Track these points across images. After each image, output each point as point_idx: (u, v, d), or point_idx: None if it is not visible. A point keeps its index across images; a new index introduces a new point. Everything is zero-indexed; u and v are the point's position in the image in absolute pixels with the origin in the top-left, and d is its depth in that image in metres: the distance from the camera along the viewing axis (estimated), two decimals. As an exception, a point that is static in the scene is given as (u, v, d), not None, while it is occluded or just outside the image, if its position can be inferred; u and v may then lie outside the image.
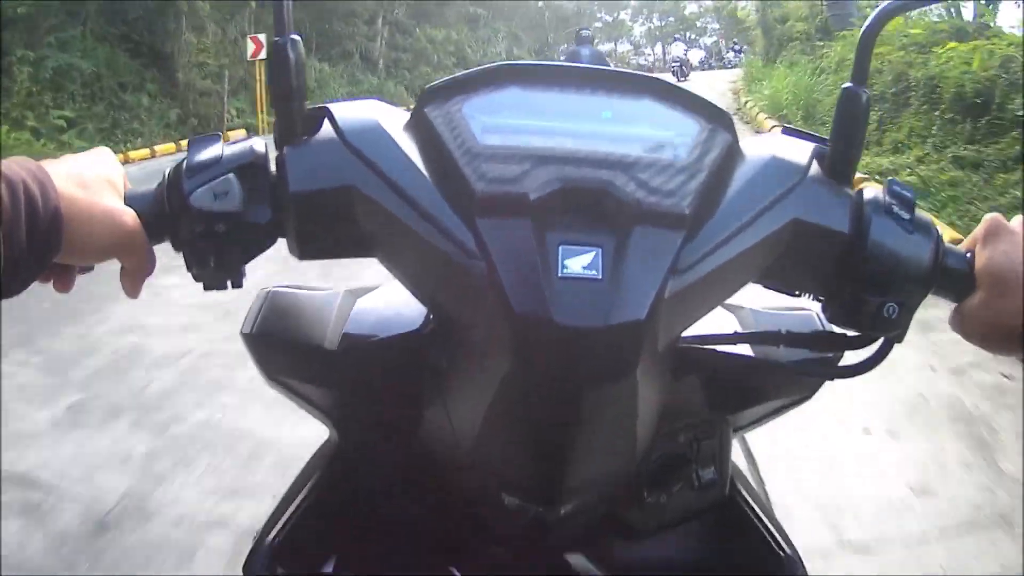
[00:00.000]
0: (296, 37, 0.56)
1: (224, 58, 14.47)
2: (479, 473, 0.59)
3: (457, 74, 0.57)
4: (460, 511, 0.66)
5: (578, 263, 0.48)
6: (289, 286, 0.72)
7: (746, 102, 13.96)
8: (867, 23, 0.58)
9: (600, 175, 0.51)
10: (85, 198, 0.52)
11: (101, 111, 11.84)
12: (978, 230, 0.59)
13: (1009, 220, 0.59)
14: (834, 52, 10.81)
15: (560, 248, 0.48)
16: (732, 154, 0.56)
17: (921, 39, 8.08)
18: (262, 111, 13.78)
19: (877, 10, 0.59)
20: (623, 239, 0.48)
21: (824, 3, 13.30)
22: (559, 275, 0.47)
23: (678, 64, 26.91)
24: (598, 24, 42.97)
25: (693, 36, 45.77)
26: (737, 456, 0.76)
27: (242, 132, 13.90)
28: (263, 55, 13.03)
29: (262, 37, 13.15)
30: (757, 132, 9.46)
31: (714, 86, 18.77)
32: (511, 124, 0.55)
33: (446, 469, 0.63)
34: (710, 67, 35.19)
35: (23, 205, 0.47)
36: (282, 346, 0.68)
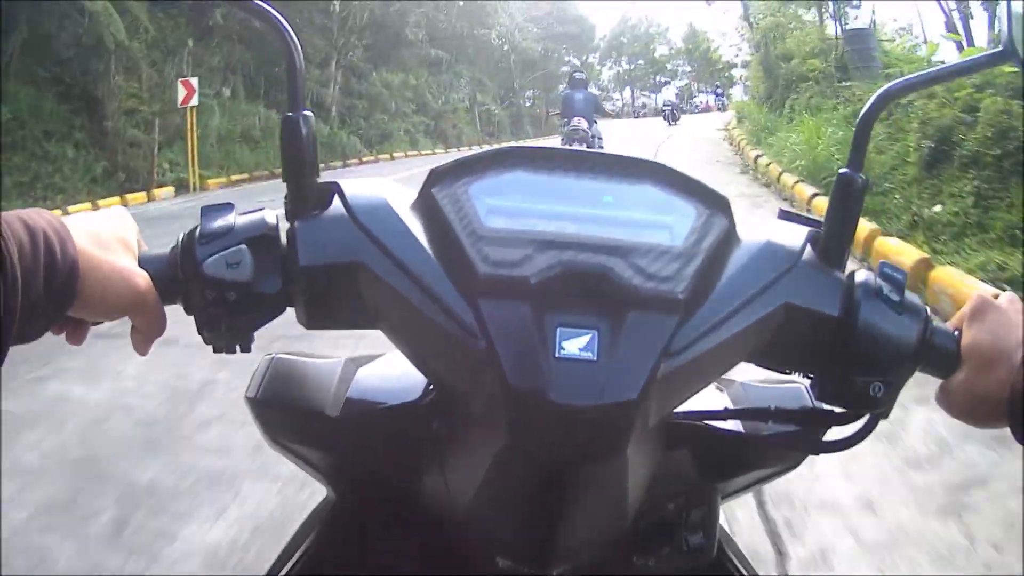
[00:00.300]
0: (308, 113, 0.59)
1: (156, 104, 12.64)
2: (474, 537, 0.62)
3: (465, 156, 0.60)
4: (455, 574, 0.67)
5: (575, 344, 0.49)
6: (293, 353, 0.73)
7: (757, 157, 11.84)
8: (866, 107, 0.60)
9: (598, 260, 0.53)
10: (101, 256, 0.53)
11: (21, 162, 10.39)
12: (965, 308, 0.61)
13: (997, 298, 0.60)
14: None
15: (558, 330, 0.50)
16: (728, 239, 0.58)
17: (1003, 80, 6.46)
18: (194, 164, 11.93)
19: (876, 94, 0.60)
20: (618, 323, 0.50)
21: (842, 36, 11.88)
22: (556, 356, 0.49)
23: (669, 108, 26.72)
24: (565, 68, 41.91)
25: (663, 79, 45.08)
26: (736, 514, 0.84)
27: (170, 190, 12.08)
28: (195, 101, 11.28)
29: (194, 81, 11.41)
30: (792, 205, 7.77)
31: (689, 130, 17.04)
32: (515, 207, 0.57)
33: (442, 532, 0.65)
34: (681, 111, 34.60)
35: (42, 253, 0.48)
36: (285, 411, 0.70)
